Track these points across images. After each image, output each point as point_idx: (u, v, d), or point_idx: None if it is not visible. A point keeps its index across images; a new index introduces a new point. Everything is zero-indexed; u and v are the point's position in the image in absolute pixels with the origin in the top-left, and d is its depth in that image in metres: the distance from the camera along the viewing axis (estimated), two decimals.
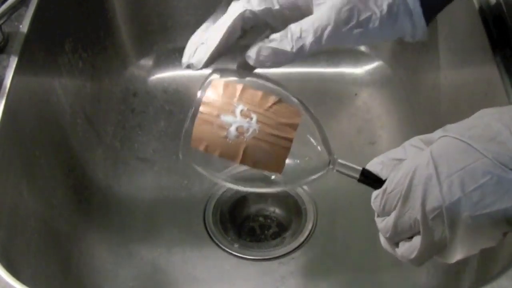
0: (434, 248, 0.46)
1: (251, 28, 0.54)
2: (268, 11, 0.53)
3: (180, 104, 0.94)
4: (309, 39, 0.50)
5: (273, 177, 0.51)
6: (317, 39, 0.50)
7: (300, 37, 0.50)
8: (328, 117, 0.90)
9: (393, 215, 0.46)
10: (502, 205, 0.42)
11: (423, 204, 0.44)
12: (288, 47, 0.50)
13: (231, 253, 0.77)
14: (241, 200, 0.83)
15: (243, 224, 0.82)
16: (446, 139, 0.45)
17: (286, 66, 1.01)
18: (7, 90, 0.64)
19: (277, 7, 0.52)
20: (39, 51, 0.73)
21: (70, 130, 0.79)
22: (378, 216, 0.49)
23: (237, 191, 0.83)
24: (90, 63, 0.86)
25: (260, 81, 0.52)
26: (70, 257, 0.73)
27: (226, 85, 0.50)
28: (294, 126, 0.49)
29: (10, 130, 0.63)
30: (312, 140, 0.50)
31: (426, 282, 0.73)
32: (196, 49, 0.54)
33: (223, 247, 0.78)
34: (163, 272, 0.76)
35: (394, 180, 0.46)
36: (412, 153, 0.47)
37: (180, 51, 0.96)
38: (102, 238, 0.78)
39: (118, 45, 0.94)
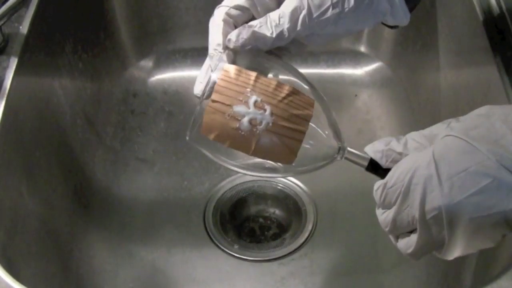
0: (431, 246, 0.46)
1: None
2: (251, 3, 0.52)
3: (180, 105, 0.94)
4: (286, 25, 0.50)
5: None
6: (293, 24, 0.50)
7: (279, 23, 0.50)
8: None
9: (392, 210, 0.47)
10: (502, 208, 0.42)
11: (422, 204, 0.44)
12: (267, 33, 0.50)
13: (231, 254, 0.77)
14: (241, 201, 0.83)
15: (243, 225, 0.82)
16: (449, 138, 0.45)
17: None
18: (7, 91, 0.64)
19: None
20: (39, 52, 0.73)
21: (70, 131, 0.79)
22: (379, 208, 0.49)
23: (237, 192, 0.83)
24: (90, 64, 0.86)
25: (274, 64, 0.51)
26: (70, 257, 0.73)
27: (239, 72, 0.48)
28: (307, 118, 0.48)
29: (10, 130, 0.63)
30: (321, 127, 0.49)
31: (426, 283, 0.73)
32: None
33: (223, 248, 0.78)
34: (163, 273, 0.76)
35: (394, 176, 0.46)
36: (413, 149, 0.47)
37: (180, 52, 0.98)
38: (102, 239, 0.78)
39: (118, 46, 0.94)
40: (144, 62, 0.97)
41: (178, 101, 0.94)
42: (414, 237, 0.46)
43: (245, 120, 0.46)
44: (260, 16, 0.52)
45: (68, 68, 0.80)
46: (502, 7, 0.69)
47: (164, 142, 0.90)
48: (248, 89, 0.47)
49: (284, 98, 0.47)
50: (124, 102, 0.93)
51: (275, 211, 0.83)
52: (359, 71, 0.96)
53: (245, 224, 0.83)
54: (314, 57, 0.97)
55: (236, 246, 0.78)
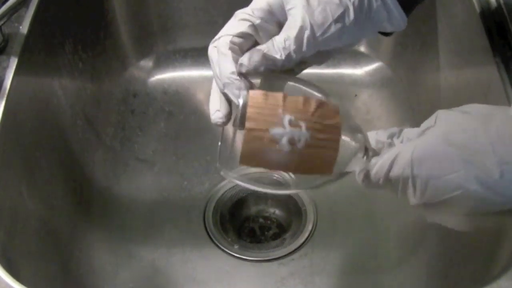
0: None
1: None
2: (254, 29, 0.52)
3: (180, 105, 0.94)
4: (292, 47, 0.50)
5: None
6: (299, 45, 0.50)
7: (285, 46, 0.50)
8: None
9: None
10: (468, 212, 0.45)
11: (402, 195, 0.47)
12: (277, 55, 0.50)
13: (231, 254, 0.77)
14: (241, 201, 0.83)
15: (243, 225, 0.82)
16: (431, 140, 0.46)
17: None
18: (7, 91, 0.64)
19: (258, 21, 0.52)
20: (39, 52, 0.73)
21: (70, 131, 0.79)
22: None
23: (237, 192, 0.83)
24: (90, 64, 0.86)
25: (291, 83, 0.51)
26: (70, 257, 0.73)
27: (265, 96, 0.48)
28: (338, 126, 0.48)
29: (10, 131, 0.63)
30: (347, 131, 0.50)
31: (426, 283, 0.73)
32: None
33: (223, 248, 0.78)
34: (163, 273, 0.76)
35: (376, 166, 0.48)
36: (400, 142, 0.49)
37: (180, 52, 0.98)
38: (102, 239, 0.78)
39: (118, 46, 0.94)
40: (144, 62, 0.97)
41: (178, 101, 0.94)
42: None
43: (284, 140, 0.46)
44: (263, 42, 0.52)
45: (68, 68, 0.80)
46: (502, 7, 0.69)
47: (164, 142, 0.90)
48: (280, 110, 0.47)
49: (314, 111, 0.47)
50: (124, 102, 0.93)
51: (275, 211, 0.83)
52: (359, 71, 0.96)
53: (245, 224, 0.83)
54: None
55: (236, 246, 0.78)
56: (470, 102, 0.71)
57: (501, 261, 0.56)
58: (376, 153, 0.50)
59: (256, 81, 0.50)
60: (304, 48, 0.51)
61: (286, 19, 0.52)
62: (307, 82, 0.51)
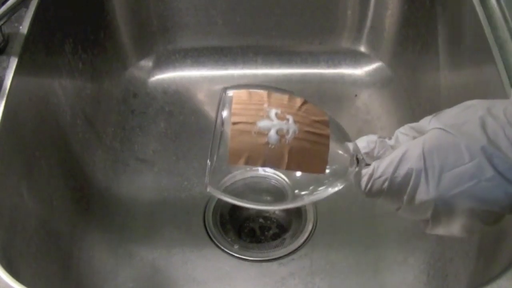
0: (414, 217, 0.48)
1: None
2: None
3: (180, 105, 0.94)
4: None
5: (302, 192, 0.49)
6: None
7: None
8: None
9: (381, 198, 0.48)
10: (484, 208, 0.44)
11: (410, 195, 0.45)
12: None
13: (231, 254, 0.77)
14: None
15: (243, 225, 0.82)
16: (440, 132, 0.45)
17: (285, 67, 1.02)
18: (7, 91, 0.64)
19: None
20: (39, 52, 0.73)
21: (70, 131, 0.79)
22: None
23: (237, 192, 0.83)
24: (90, 64, 0.86)
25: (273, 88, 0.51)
26: (70, 257, 0.73)
27: (249, 94, 0.47)
28: (326, 123, 0.47)
29: (10, 131, 0.63)
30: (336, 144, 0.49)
31: (426, 283, 0.73)
32: None
33: (223, 248, 0.78)
34: (162, 273, 0.76)
35: (381, 166, 0.46)
36: (402, 141, 0.48)
37: (180, 52, 0.98)
38: (102, 239, 0.78)
39: (118, 46, 0.94)
40: (144, 62, 0.97)
41: (178, 101, 0.94)
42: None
43: (272, 132, 0.45)
44: None
45: (68, 68, 0.80)
46: (502, 7, 0.69)
47: (164, 142, 0.90)
48: (265, 105, 0.46)
49: (300, 107, 0.47)
50: (124, 102, 0.93)
51: (275, 211, 0.83)
52: (359, 71, 0.96)
53: (245, 224, 0.83)
54: (314, 57, 0.97)
55: (236, 246, 0.78)
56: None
57: (501, 261, 0.56)
58: (368, 161, 0.48)
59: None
60: None
61: None
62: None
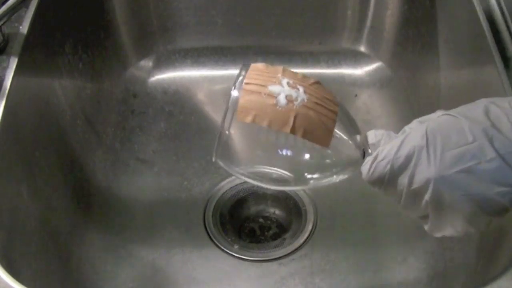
0: (414, 212, 0.47)
1: None
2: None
3: (180, 105, 0.94)
4: None
5: (306, 175, 0.50)
6: None
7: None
8: None
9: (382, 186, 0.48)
10: (485, 191, 0.43)
11: (411, 174, 0.45)
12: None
13: (231, 254, 0.77)
14: (241, 201, 0.83)
15: (243, 225, 0.82)
16: (445, 117, 0.46)
17: (285, 67, 1.02)
18: (7, 91, 0.64)
19: None
20: (39, 52, 0.73)
21: (70, 131, 0.79)
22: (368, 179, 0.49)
23: (237, 192, 0.83)
24: (90, 64, 0.86)
25: None
26: (70, 257, 0.73)
27: (267, 66, 0.49)
28: (336, 103, 0.49)
29: (10, 131, 0.63)
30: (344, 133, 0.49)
31: (426, 283, 0.73)
32: None
33: (223, 248, 0.78)
34: (163, 273, 0.76)
35: (385, 149, 0.46)
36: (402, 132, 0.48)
37: (180, 52, 0.98)
38: (102, 239, 0.78)
39: (118, 46, 0.94)
40: (144, 62, 0.97)
41: (178, 101, 0.94)
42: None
43: (282, 96, 0.46)
44: None
45: (68, 68, 0.80)
46: (502, 7, 0.69)
47: (164, 142, 0.90)
48: (279, 75, 0.48)
49: (311, 84, 0.48)
50: (124, 102, 0.93)
51: (275, 211, 0.83)
52: (359, 71, 0.96)
53: (245, 224, 0.83)
54: (314, 57, 0.97)
55: (236, 246, 0.78)
56: (470, 102, 0.71)
57: (501, 261, 0.56)
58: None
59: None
60: None
61: None
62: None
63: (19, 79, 0.66)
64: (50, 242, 0.69)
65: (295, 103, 0.46)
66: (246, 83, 0.47)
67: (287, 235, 0.80)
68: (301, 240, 0.79)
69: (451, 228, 0.46)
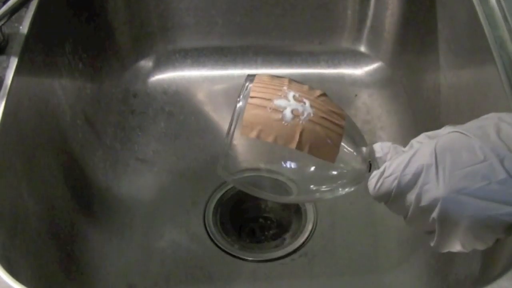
0: (421, 227, 0.47)
1: None
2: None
3: (180, 105, 0.94)
4: None
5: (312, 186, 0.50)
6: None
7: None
8: None
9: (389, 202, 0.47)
10: (496, 211, 0.42)
11: (419, 193, 0.44)
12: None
13: (231, 254, 0.77)
14: (241, 201, 0.83)
15: (243, 225, 0.82)
16: (454, 134, 0.45)
17: (285, 67, 1.02)
18: (7, 91, 0.64)
19: None
20: (39, 52, 0.73)
21: (70, 131, 0.79)
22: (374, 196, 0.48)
23: (237, 192, 0.83)
24: (90, 64, 0.86)
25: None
26: (70, 257, 0.73)
27: (272, 78, 0.48)
28: (343, 116, 0.48)
29: (10, 131, 0.63)
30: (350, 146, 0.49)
31: (426, 283, 0.73)
32: None
33: (223, 248, 0.78)
34: (163, 273, 0.76)
35: (393, 164, 0.46)
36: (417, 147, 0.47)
37: (180, 52, 0.98)
38: (102, 239, 0.78)
39: (118, 46, 0.94)
40: (144, 62, 0.97)
41: (178, 101, 0.94)
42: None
43: (288, 111, 0.46)
44: None
45: (68, 68, 0.80)
46: (503, 7, 0.69)
47: (164, 142, 0.90)
48: (285, 87, 0.47)
49: (318, 97, 0.48)
50: (124, 102, 0.93)
51: (275, 211, 0.83)
52: (359, 71, 0.96)
53: (245, 224, 0.83)
54: (314, 57, 0.97)
55: (236, 246, 0.78)
56: (470, 102, 0.71)
57: (501, 261, 0.56)
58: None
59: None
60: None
61: None
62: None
63: (19, 79, 0.66)
64: (50, 242, 0.69)
65: (301, 117, 0.46)
66: (251, 97, 0.46)
67: (287, 235, 0.80)
68: (301, 240, 0.79)
69: (457, 244, 0.46)
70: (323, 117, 0.46)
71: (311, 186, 0.50)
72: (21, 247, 0.62)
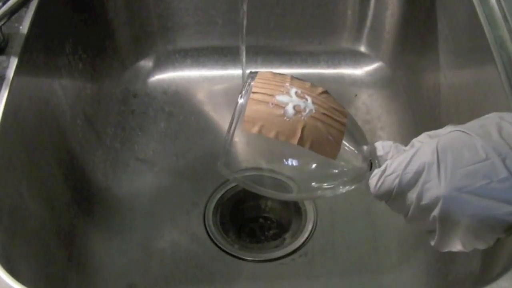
0: (421, 226, 0.47)
1: None
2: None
3: (179, 105, 0.94)
4: None
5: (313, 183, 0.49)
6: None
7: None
8: None
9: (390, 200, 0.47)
10: (496, 211, 0.42)
11: (420, 192, 0.44)
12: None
13: (231, 254, 0.77)
14: (241, 201, 0.83)
15: (243, 225, 0.82)
16: (456, 133, 0.45)
17: (285, 67, 1.02)
18: (7, 91, 0.64)
19: None
20: (39, 52, 0.73)
21: (70, 131, 0.79)
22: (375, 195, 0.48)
23: (237, 192, 0.83)
24: (90, 64, 0.86)
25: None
26: (70, 258, 0.73)
27: (274, 74, 0.48)
28: (344, 113, 0.48)
29: (10, 131, 0.63)
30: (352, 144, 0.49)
31: (426, 283, 0.73)
32: None
33: (223, 248, 0.78)
34: (163, 273, 0.76)
35: (394, 163, 0.46)
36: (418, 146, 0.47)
37: (180, 52, 0.98)
38: (101, 239, 0.78)
39: (118, 46, 0.94)
40: (144, 62, 0.97)
41: (178, 101, 0.94)
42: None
43: (290, 106, 0.46)
44: None
45: (68, 68, 0.80)
46: (503, 7, 0.69)
47: (164, 142, 0.90)
48: (287, 84, 0.47)
49: (320, 94, 0.48)
50: (124, 102, 0.93)
51: (275, 211, 0.83)
52: (359, 71, 0.96)
53: (245, 224, 0.83)
54: (314, 57, 0.97)
55: (236, 246, 0.78)
56: (470, 102, 0.71)
57: (501, 261, 0.56)
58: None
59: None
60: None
61: None
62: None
63: (19, 79, 0.66)
64: (50, 242, 0.69)
65: (303, 113, 0.46)
66: (253, 92, 0.46)
67: (287, 235, 0.80)
68: (301, 240, 0.79)
69: (458, 244, 0.46)
70: (325, 114, 0.46)
71: (312, 183, 0.50)
72: (21, 247, 0.62)
